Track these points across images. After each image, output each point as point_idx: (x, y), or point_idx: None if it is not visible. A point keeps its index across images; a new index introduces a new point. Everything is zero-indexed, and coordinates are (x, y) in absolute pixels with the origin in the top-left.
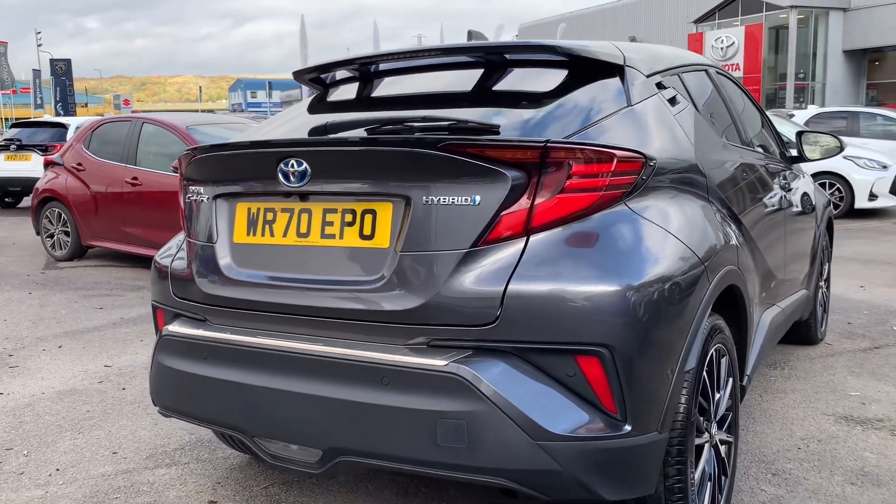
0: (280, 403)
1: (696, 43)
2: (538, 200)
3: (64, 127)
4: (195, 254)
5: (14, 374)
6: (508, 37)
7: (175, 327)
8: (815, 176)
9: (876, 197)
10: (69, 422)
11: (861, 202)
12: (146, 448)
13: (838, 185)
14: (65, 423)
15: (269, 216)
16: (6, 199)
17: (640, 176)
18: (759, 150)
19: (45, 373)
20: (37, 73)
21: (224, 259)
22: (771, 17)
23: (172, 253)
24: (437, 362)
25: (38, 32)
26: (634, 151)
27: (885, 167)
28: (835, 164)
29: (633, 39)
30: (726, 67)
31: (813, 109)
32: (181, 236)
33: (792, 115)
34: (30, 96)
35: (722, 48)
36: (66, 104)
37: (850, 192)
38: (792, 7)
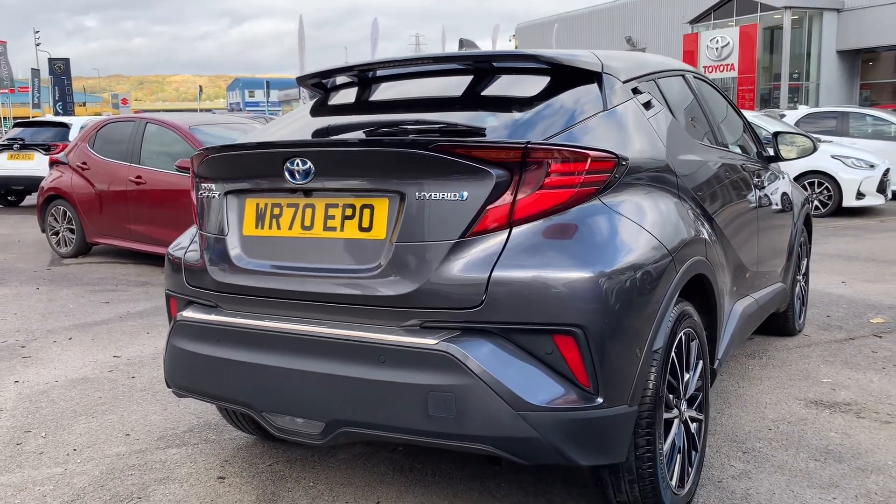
0: (287, 381)
1: (691, 43)
2: (520, 196)
3: (66, 126)
4: (207, 245)
5: (27, 363)
6: (505, 37)
7: (189, 313)
8: (804, 175)
9: (863, 195)
10: (83, 407)
11: (849, 201)
12: (157, 430)
13: (826, 183)
14: (79, 408)
15: (276, 211)
16: (9, 198)
17: (613, 174)
18: (736, 150)
19: (56, 363)
20: (35, 72)
21: (234, 250)
22: (765, 18)
23: (185, 246)
24: (429, 341)
25: (37, 32)
26: (607, 152)
27: (872, 166)
28: (823, 164)
29: (629, 40)
30: (721, 68)
31: (804, 110)
32: (192, 230)
33: (783, 116)
34: (28, 95)
35: (717, 48)
36: (65, 103)
37: (839, 191)
38: (786, 7)
